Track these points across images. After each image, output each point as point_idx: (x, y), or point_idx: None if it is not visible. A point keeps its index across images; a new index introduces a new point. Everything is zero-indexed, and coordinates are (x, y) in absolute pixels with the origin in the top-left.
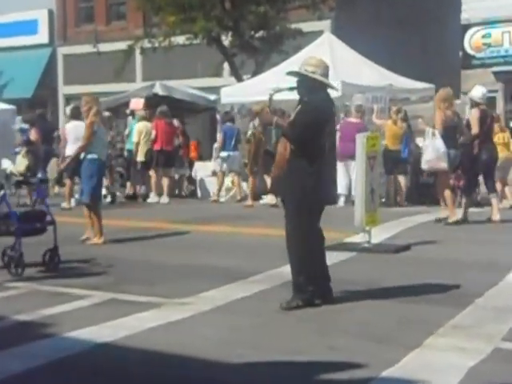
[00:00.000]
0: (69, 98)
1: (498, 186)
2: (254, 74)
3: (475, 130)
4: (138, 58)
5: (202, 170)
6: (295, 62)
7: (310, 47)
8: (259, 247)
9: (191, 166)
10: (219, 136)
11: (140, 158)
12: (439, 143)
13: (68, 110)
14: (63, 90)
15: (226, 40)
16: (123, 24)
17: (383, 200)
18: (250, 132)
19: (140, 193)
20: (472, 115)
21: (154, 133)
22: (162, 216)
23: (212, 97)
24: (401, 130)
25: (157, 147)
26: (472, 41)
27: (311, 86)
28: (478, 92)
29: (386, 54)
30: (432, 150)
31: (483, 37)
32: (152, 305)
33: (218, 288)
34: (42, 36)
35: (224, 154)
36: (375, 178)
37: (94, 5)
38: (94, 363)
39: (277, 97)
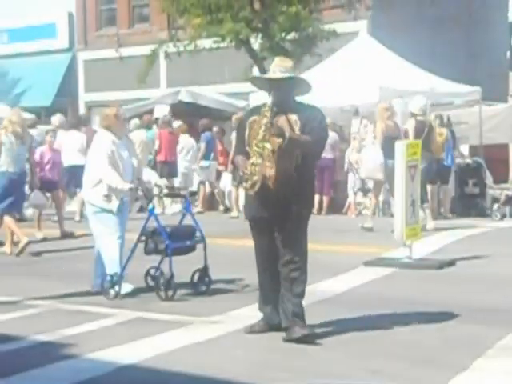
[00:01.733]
0: (90, 106)
1: None
2: None
3: (411, 135)
4: (163, 62)
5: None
6: (329, 66)
7: (345, 49)
8: None
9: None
10: (202, 145)
11: None
12: (377, 154)
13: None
14: (84, 97)
15: (256, 43)
16: (147, 27)
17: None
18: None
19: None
20: (408, 125)
21: (157, 143)
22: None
23: (241, 103)
24: (442, 136)
25: (161, 158)
26: None
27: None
28: (416, 104)
29: (427, 56)
30: (369, 160)
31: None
32: (179, 324)
33: (248, 306)
34: (61, 40)
35: (206, 163)
36: (416, 188)
37: (115, 7)
38: None
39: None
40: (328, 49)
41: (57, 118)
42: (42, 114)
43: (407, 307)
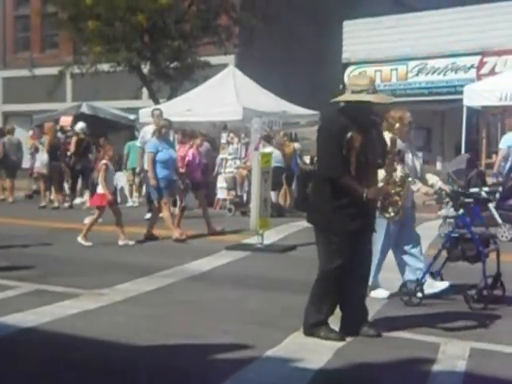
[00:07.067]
0: (7, 115)
1: None
2: (169, 97)
3: (73, 149)
4: (69, 81)
5: (122, 179)
6: (204, 90)
7: (216, 77)
8: (167, 247)
9: None
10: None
11: None
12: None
13: None
14: (2, 108)
15: (145, 68)
16: (56, 52)
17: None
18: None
19: None
20: (73, 140)
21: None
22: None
23: (132, 116)
24: (290, 148)
25: None
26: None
27: None
28: (78, 126)
29: (280, 85)
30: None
31: (359, 74)
32: (72, 295)
33: (130, 281)
34: None
35: None
36: (268, 189)
37: (30, 35)
38: (19, 345)
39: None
40: (203, 76)
41: None
42: None
43: (256, 282)
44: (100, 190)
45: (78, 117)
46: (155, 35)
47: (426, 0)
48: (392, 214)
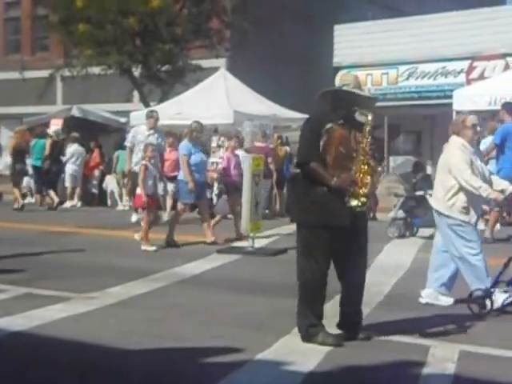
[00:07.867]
0: None
1: None
2: (160, 101)
3: (47, 152)
4: (59, 84)
5: (112, 182)
6: (195, 93)
7: (207, 80)
8: (159, 250)
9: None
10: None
11: None
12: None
13: None
14: None
15: (136, 71)
16: (47, 55)
17: (266, 211)
18: None
19: None
20: (47, 143)
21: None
22: (72, 221)
23: (123, 119)
24: (281, 152)
25: None
26: None
27: None
28: (52, 129)
29: (273, 88)
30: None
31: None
32: (62, 298)
33: (122, 284)
34: None
35: None
36: (259, 192)
37: (20, 37)
38: (8, 349)
39: (184, 121)
40: (194, 79)
41: None
42: None
43: (248, 285)
44: (138, 190)
45: (69, 120)
46: (146, 38)
47: (417, 5)
48: (358, 203)
